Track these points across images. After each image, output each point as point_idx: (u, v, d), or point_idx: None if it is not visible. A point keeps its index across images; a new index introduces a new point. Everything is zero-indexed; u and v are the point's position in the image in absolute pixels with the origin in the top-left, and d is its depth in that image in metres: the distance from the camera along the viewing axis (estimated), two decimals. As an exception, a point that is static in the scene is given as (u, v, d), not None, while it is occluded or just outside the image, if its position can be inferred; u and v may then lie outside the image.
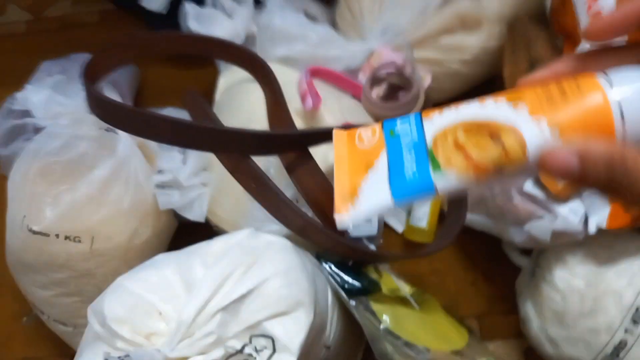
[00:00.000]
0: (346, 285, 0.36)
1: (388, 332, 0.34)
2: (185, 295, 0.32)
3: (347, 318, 0.37)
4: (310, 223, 0.34)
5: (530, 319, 0.38)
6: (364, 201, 0.20)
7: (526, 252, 0.41)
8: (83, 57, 0.52)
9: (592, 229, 0.35)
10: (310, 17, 0.51)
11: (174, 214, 0.45)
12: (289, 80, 0.44)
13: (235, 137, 0.35)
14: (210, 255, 0.34)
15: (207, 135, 0.34)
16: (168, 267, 0.34)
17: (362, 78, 0.48)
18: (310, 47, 0.48)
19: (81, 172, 0.41)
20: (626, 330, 0.33)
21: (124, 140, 0.43)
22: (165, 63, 0.59)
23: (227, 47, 0.46)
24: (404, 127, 0.21)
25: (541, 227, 0.35)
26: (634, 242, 0.35)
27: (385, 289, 0.37)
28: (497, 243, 0.43)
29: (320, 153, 0.39)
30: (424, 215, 0.46)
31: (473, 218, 0.41)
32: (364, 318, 0.34)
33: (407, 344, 0.34)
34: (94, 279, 0.42)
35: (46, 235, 0.41)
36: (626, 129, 0.18)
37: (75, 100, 0.45)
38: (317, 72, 0.46)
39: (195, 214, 0.43)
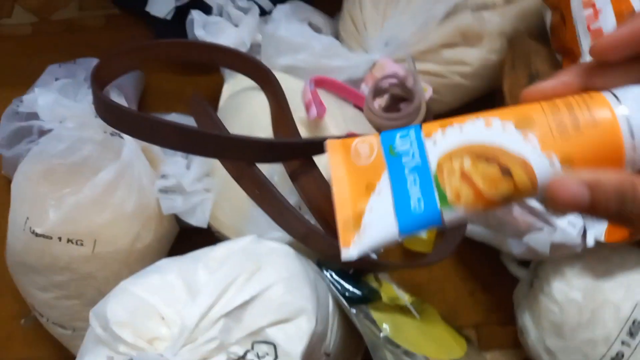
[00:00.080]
0: (347, 293, 0.36)
1: (388, 340, 0.35)
2: (188, 301, 0.33)
3: (347, 326, 0.38)
4: (313, 230, 0.35)
5: (527, 329, 0.39)
6: (370, 232, 0.20)
7: (524, 263, 0.42)
8: (89, 61, 0.53)
9: (590, 242, 0.35)
10: (315, 28, 0.52)
11: (176, 219, 0.45)
12: (292, 88, 0.44)
13: (240, 144, 0.35)
14: (213, 260, 0.35)
15: (212, 141, 0.35)
16: (171, 271, 0.34)
17: (365, 89, 0.48)
18: (313, 57, 0.49)
19: (85, 176, 0.42)
20: (623, 342, 0.34)
21: (129, 144, 0.43)
22: (169, 69, 0.60)
23: (233, 55, 0.47)
24: (404, 145, 0.20)
25: (540, 240, 0.36)
26: (631, 256, 0.36)
27: (385, 297, 0.38)
28: (495, 254, 0.44)
29: (323, 161, 0.40)
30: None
31: (473, 229, 0.41)
32: (364, 326, 0.35)
33: (407, 353, 0.35)
34: (95, 282, 0.42)
35: (49, 237, 0.41)
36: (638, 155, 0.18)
37: (82, 103, 0.45)
38: (321, 82, 0.46)
39: (198, 220, 0.43)
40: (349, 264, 0.37)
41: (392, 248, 0.49)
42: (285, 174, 0.40)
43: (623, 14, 0.33)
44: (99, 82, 0.39)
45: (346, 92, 0.48)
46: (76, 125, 0.43)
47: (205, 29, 0.50)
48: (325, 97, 0.45)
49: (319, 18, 0.53)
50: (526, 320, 0.39)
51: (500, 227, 0.39)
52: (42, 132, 0.45)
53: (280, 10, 0.51)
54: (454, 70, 0.49)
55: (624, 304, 0.34)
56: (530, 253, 0.37)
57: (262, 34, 0.51)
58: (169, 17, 0.55)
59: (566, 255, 0.37)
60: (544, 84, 0.20)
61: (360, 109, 0.48)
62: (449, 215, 0.19)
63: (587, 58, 0.36)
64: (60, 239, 0.41)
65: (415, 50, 0.48)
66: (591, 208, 0.17)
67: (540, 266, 0.39)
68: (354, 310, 0.35)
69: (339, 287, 0.36)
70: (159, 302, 0.32)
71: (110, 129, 0.43)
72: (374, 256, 0.43)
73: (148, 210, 0.43)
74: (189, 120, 0.47)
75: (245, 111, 0.46)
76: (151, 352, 0.31)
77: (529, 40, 0.43)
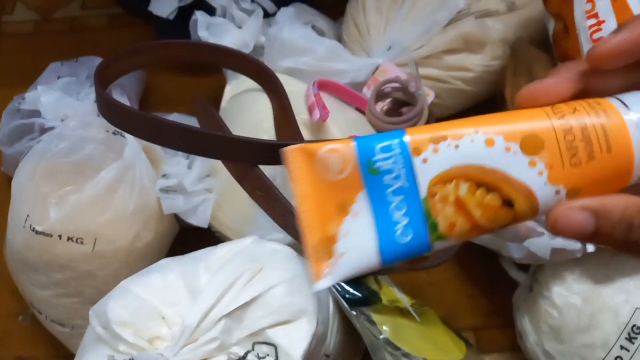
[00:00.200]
0: (347, 295, 0.36)
1: (387, 342, 0.35)
2: (190, 301, 0.33)
3: (347, 327, 0.38)
4: (315, 232, 0.35)
5: (526, 333, 0.39)
6: (346, 262, 0.17)
7: (523, 267, 0.42)
8: (91, 60, 0.53)
9: (590, 246, 0.36)
10: (318, 31, 0.53)
11: (177, 219, 0.45)
12: (295, 91, 0.44)
13: (243, 145, 0.35)
14: (215, 261, 0.35)
15: (215, 142, 0.35)
16: (172, 271, 0.34)
17: (367, 92, 0.49)
18: (316, 60, 0.49)
19: (87, 174, 0.42)
20: (622, 347, 0.34)
21: (131, 143, 0.43)
22: (171, 69, 0.60)
23: (237, 56, 0.47)
24: (386, 161, 0.17)
25: (541, 244, 0.36)
26: (629, 261, 0.36)
27: (385, 299, 0.38)
28: (495, 258, 0.44)
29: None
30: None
31: (472, 233, 0.42)
32: (364, 328, 0.35)
33: (406, 355, 0.35)
34: (95, 281, 0.42)
35: (49, 235, 0.41)
36: None
37: (84, 102, 0.45)
38: (324, 85, 0.47)
39: (199, 220, 0.43)
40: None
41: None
42: (287, 176, 0.40)
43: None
44: (102, 81, 0.39)
45: (349, 95, 0.49)
46: (78, 123, 0.43)
47: (208, 30, 0.50)
48: (328, 100, 0.45)
49: (322, 21, 0.54)
50: (525, 324, 0.39)
51: (500, 231, 0.39)
52: (44, 130, 0.45)
53: (284, 12, 0.51)
54: (456, 75, 0.49)
55: (622, 308, 0.34)
56: (531, 257, 0.37)
57: (266, 36, 0.51)
58: (171, 17, 0.55)
59: (566, 260, 0.37)
60: (545, 83, 0.18)
61: (363, 112, 0.48)
62: (439, 245, 0.17)
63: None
64: (60, 237, 0.41)
65: (418, 55, 0.48)
66: (596, 235, 0.16)
67: (539, 270, 0.39)
68: (354, 312, 0.35)
69: (340, 289, 0.36)
70: (159, 302, 0.32)
71: (113, 128, 0.43)
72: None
73: (149, 210, 0.43)
74: (191, 121, 0.48)
75: (248, 113, 0.46)
76: (151, 351, 0.31)
77: (531, 48, 0.44)
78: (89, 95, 0.47)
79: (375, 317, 0.36)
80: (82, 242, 0.41)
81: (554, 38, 0.41)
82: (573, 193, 0.17)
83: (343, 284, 0.37)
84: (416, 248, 0.17)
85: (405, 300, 0.39)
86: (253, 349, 0.31)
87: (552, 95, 0.18)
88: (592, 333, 0.35)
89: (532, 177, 0.17)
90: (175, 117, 0.50)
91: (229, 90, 0.51)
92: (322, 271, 0.17)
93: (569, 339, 0.36)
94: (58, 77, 0.49)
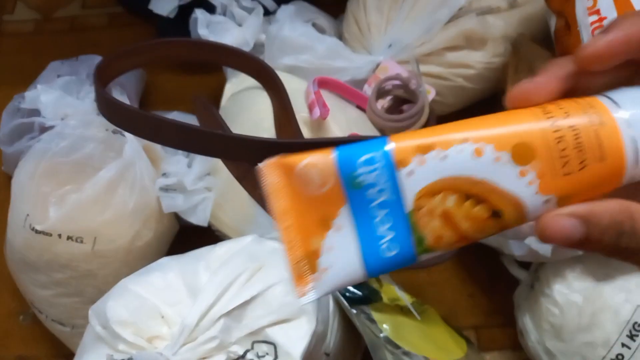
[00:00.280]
0: (348, 294, 0.36)
1: (388, 341, 0.35)
2: (189, 300, 0.33)
3: (346, 326, 0.38)
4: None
5: (528, 331, 0.39)
6: (330, 276, 0.17)
7: (524, 265, 0.42)
8: (91, 58, 0.53)
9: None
10: (319, 29, 0.52)
11: (177, 217, 0.45)
12: (296, 89, 0.44)
13: (243, 144, 0.35)
14: (214, 260, 0.35)
15: (215, 141, 0.35)
16: (172, 270, 0.34)
17: (368, 90, 0.48)
18: (317, 57, 0.49)
19: (87, 173, 0.42)
20: (623, 345, 0.34)
21: (131, 142, 0.43)
22: (170, 67, 0.60)
23: (236, 54, 0.47)
24: (369, 175, 0.16)
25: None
26: (631, 260, 0.36)
27: (385, 298, 0.38)
28: (496, 255, 0.44)
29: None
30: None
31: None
32: (365, 326, 0.35)
33: (407, 354, 0.35)
34: (95, 280, 0.42)
35: (49, 235, 0.41)
36: None
37: (84, 101, 0.45)
38: (324, 83, 0.46)
39: (199, 218, 0.43)
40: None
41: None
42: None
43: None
44: (102, 79, 0.39)
45: (349, 93, 0.48)
46: (78, 122, 0.43)
47: (208, 28, 0.50)
48: (328, 98, 0.45)
49: (323, 19, 0.53)
50: (526, 322, 0.39)
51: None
52: (44, 129, 0.45)
53: (284, 10, 0.51)
54: (457, 73, 0.49)
55: (623, 307, 0.34)
56: (532, 255, 0.37)
57: (266, 34, 0.51)
58: (171, 16, 0.55)
59: (567, 258, 0.37)
60: (535, 81, 0.18)
61: (363, 110, 0.48)
62: (426, 257, 0.17)
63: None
64: (60, 236, 0.41)
65: (419, 53, 0.48)
66: (586, 242, 0.16)
67: (541, 268, 0.39)
68: (354, 311, 0.35)
69: (340, 288, 0.36)
70: (159, 301, 0.32)
71: (113, 127, 0.43)
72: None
73: (149, 209, 0.43)
74: (191, 120, 0.47)
75: (248, 111, 0.46)
76: (151, 350, 0.31)
77: (533, 45, 0.43)
78: (89, 94, 0.47)
79: (375, 315, 0.36)
80: (82, 242, 0.41)
81: (555, 35, 0.41)
82: (564, 201, 0.17)
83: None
84: (402, 261, 0.17)
85: (405, 299, 0.39)
86: (252, 348, 0.31)
87: (543, 94, 0.18)
88: (593, 332, 0.35)
89: (522, 187, 0.16)
90: (176, 116, 0.50)
91: (229, 89, 0.51)
92: (306, 286, 0.17)
93: (570, 337, 0.35)
94: (58, 76, 0.49)
